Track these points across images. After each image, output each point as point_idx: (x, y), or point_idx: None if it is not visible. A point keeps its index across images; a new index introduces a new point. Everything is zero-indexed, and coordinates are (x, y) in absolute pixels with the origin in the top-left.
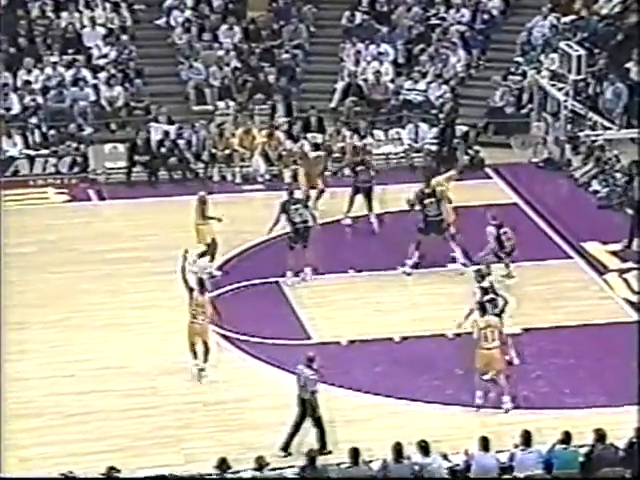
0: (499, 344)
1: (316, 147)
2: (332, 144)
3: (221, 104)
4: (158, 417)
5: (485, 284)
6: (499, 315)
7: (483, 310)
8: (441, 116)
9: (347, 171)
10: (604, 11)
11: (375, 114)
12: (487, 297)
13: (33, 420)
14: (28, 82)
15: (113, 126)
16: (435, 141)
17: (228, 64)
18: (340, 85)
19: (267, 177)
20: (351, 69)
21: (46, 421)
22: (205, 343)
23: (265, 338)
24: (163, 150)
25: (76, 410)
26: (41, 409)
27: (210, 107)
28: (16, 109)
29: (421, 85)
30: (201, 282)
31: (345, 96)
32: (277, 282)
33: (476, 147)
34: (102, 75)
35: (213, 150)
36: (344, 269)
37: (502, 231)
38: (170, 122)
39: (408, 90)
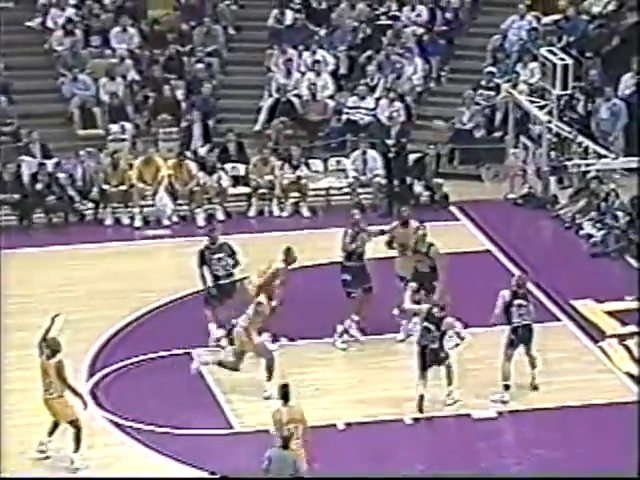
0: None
1: (237, 181)
2: (257, 177)
3: (114, 127)
4: None
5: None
6: None
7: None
8: (389, 142)
9: (276, 210)
10: (595, 9)
11: (311, 139)
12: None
13: None
14: None
15: None
16: (382, 173)
17: (124, 76)
18: (267, 102)
19: (175, 219)
20: (280, 82)
21: None
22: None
23: (174, 428)
24: (38, 186)
25: None
26: None
27: (100, 131)
28: None
29: (368, 102)
30: (40, 345)
31: (273, 116)
32: (189, 354)
33: (438, 180)
34: None
35: (105, 186)
36: (274, 337)
37: (517, 303)
38: (46, 151)
39: (352, 108)
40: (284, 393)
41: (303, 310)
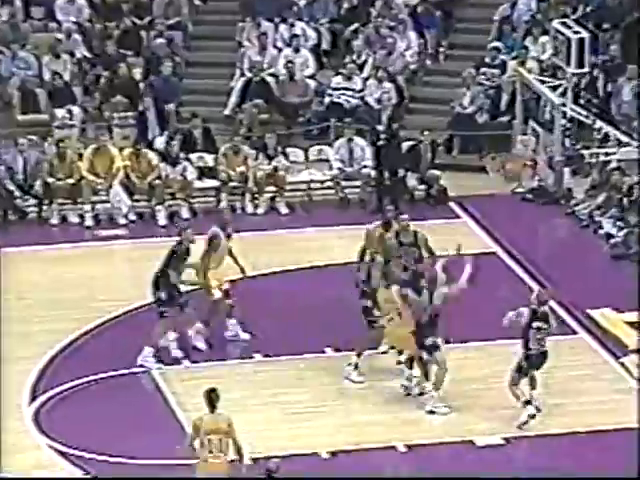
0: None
1: (203, 173)
2: (227, 168)
3: (60, 112)
4: None
5: None
6: None
7: None
8: (379, 128)
9: (250, 207)
10: None
11: (289, 124)
12: None
13: None
14: None
15: None
16: (371, 164)
17: (71, 53)
18: (238, 83)
19: (132, 217)
20: (254, 59)
21: None
22: None
23: (130, 458)
24: None
25: None
26: None
27: (44, 116)
28: None
29: (355, 82)
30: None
31: (245, 99)
32: (149, 372)
33: (434, 171)
34: None
35: (50, 179)
36: (245, 353)
37: (536, 326)
38: None
39: (336, 90)
40: (210, 399)
41: (282, 321)
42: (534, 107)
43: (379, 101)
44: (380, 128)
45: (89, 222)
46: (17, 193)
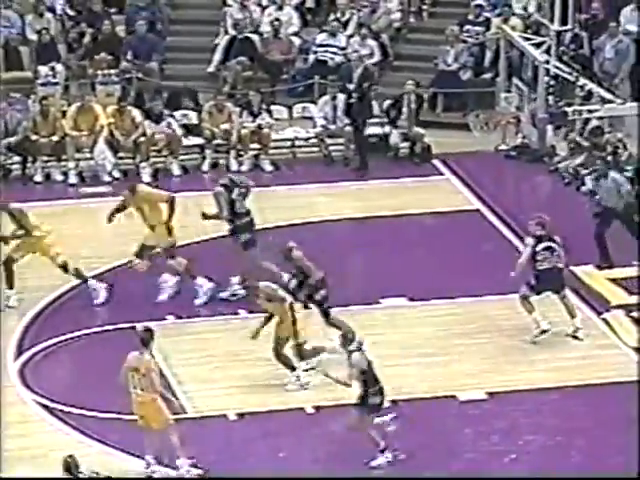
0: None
1: (188, 130)
2: (211, 126)
3: (44, 69)
4: None
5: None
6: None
7: None
8: (350, 86)
9: (234, 164)
10: None
11: (273, 82)
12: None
13: None
14: None
15: None
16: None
17: (53, 10)
18: (222, 40)
19: (116, 175)
20: (237, 17)
21: None
22: None
23: (117, 413)
24: None
25: None
26: None
27: (27, 73)
28: None
29: (339, 40)
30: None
31: (229, 56)
32: (134, 328)
33: (418, 129)
34: None
35: (33, 137)
36: (233, 309)
37: (543, 246)
38: None
39: (320, 47)
40: (142, 338)
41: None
42: (518, 64)
43: (359, 58)
44: (351, 87)
45: (73, 180)
46: (1, 151)
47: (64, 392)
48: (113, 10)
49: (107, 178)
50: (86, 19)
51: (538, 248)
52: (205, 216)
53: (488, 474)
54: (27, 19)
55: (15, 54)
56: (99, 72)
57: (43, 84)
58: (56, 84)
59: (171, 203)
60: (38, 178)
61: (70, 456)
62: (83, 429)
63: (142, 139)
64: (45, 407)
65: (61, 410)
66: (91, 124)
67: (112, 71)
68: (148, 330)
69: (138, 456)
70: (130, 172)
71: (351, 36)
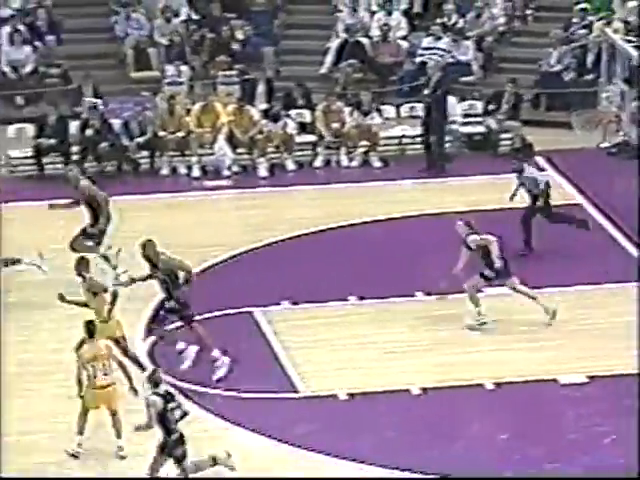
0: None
1: (302, 128)
2: (323, 124)
3: (170, 69)
4: None
5: None
6: None
7: None
8: (425, 92)
9: (345, 160)
10: None
11: (382, 83)
12: None
13: None
14: None
15: (19, 100)
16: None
17: (179, 14)
18: (334, 44)
19: (235, 169)
20: (348, 22)
21: None
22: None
23: (234, 390)
24: (89, 133)
25: None
26: None
27: (156, 73)
28: None
29: (444, 43)
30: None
31: (340, 58)
32: (250, 313)
33: (513, 122)
34: (3, 30)
35: (161, 132)
36: (342, 296)
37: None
38: (98, 95)
39: (426, 49)
40: (88, 329)
41: (376, 266)
42: (619, 66)
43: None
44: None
45: (196, 173)
46: (131, 146)
47: (188, 371)
48: (232, 15)
49: (227, 172)
50: (207, 23)
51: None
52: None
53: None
54: (155, 23)
55: (144, 55)
56: (220, 73)
57: (170, 83)
58: (181, 84)
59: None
60: (165, 171)
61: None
62: (206, 405)
63: (259, 136)
64: (172, 385)
65: (186, 389)
66: (213, 122)
67: (232, 72)
68: (91, 322)
69: (257, 432)
70: (248, 167)
71: (455, 40)
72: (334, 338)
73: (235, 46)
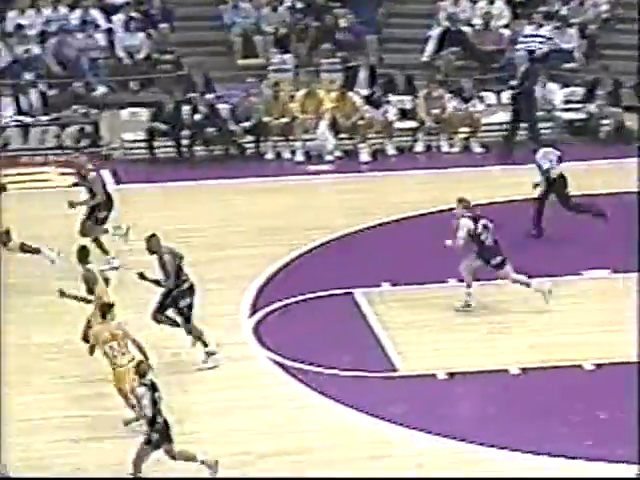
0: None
1: (403, 114)
2: (424, 111)
3: (276, 57)
4: (197, 473)
5: None
6: None
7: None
8: (512, 83)
9: (445, 146)
10: None
11: (484, 70)
12: None
13: None
14: (20, 26)
15: (133, 85)
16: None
17: (283, 3)
18: (436, 32)
19: (337, 154)
20: (450, 10)
21: None
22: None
23: (335, 369)
24: (197, 117)
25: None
26: None
27: (261, 60)
28: (3, 62)
29: (546, 30)
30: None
31: (442, 46)
32: (351, 294)
33: (613, 108)
34: (118, 18)
35: (266, 118)
36: (441, 278)
37: (481, 224)
38: (208, 81)
39: (528, 37)
40: (102, 310)
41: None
42: None
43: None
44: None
45: (300, 157)
46: (237, 130)
47: (292, 349)
48: (337, 4)
49: (329, 157)
50: (312, 12)
51: (479, 225)
52: None
53: None
54: (262, 12)
55: (250, 43)
56: (323, 60)
57: (275, 71)
58: (286, 71)
59: None
60: (269, 156)
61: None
62: (309, 383)
63: (361, 122)
64: (275, 362)
65: (287, 365)
66: (316, 108)
67: (335, 60)
68: (108, 305)
69: (356, 409)
70: (350, 152)
71: (557, 27)
72: (433, 319)
73: (339, 34)
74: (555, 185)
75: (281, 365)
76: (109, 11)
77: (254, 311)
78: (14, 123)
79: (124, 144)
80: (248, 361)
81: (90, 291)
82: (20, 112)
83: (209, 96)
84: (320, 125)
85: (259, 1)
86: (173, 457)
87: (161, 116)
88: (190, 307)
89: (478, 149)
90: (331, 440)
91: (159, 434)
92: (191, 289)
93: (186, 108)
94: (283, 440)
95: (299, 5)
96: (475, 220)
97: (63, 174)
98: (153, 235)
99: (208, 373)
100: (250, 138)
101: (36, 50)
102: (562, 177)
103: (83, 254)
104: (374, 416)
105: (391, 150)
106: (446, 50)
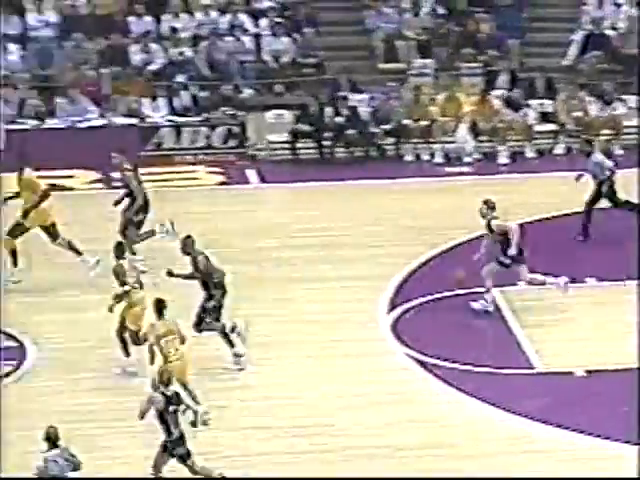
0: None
1: (544, 117)
2: (565, 114)
3: (417, 61)
4: (334, 464)
5: None
6: None
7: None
8: None
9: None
10: None
11: (627, 74)
12: None
13: None
14: (174, 30)
15: (278, 88)
16: None
17: (424, 8)
18: (578, 36)
19: (476, 156)
20: (594, 14)
21: (198, 462)
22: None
23: (472, 365)
24: (339, 120)
25: (229, 451)
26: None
27: (403, 65)
28: (158, 64)
29: None
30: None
31: (585, 50)
32: (488, 291)
33: None
34: (265, 22)
35: (406, 121)
36: (579, 277)
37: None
38: (352, 85)
39: None
40: (158, 307)
41: (616, 251)
42: None
43: None
44: None
45: (439, 159)
46: (378, 132)
47: (429, 345)
48: (479, 9)
49: (468, 159)
50: (454, 17)
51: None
52: None
53: None
54: (404, 17)
55: (392, 48)
56: (464, 65)
57: (416, 75)
58: (427, 75)
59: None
60: (409, 158)
61: (52, 426)
62: (444, 378)
63: (500, 125)
64: (413, 358)
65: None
66: (456, 111)
67: (476, 64)
68: (162, 301)
69: (493, 404)
70: (489, 154)
71: None
72: (572, 317)
73: (480, 39)
74: (605, 190)
75: (419, 361)
76: (257, 16)
77: (392, 308)
78: (168, 123)
79: (269, 145)
80: (387, 356)
81: (123, 283)
82: (173, 112)
83: (351, 99)
84: (460, 128)
85: (401, 7)
86: (195, 472)
87: (305, 118)
88: (219, 308)
89: (619, 151)
90: (470, 435)
91: (175, 445)
92: (223, 291)
93: (329, 111)
94: (422, 434)
95: (440, 10)
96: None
97: (210, 173)
98: (188, 236)
99: (347, 368)
100: (390, 140)
101: (189, 53)
102: (611, 182)
103: (119, 250)
104: (512, 412)
105: (530, 152)
106: (589, 54)
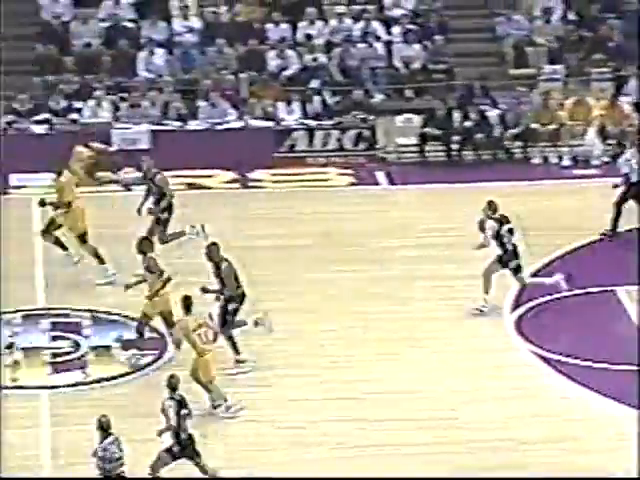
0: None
1: None
2: None
3: (547, 67)
4: (457, 455)
5: None
6: None
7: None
8: None
9: None
10: None
11: None
12: None
13: (311, 449)
14: (309, 37)
15: (408, 93)
16: None
17: (555, 14)
18: None
19: (604, 159)
20: None
21: (326, 452)
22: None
23: (596, 362)
24: (468, 124)
25: (357, 441)
26: (316, 436)
27: (532, 70)
28: (293, 69)
29: None
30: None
31: None
32: (613, 291)
33: None
34: (397, 29)
35: (534, 125)
36: None
37: (506, 228)
38: (485, 92)
39: None
40: (186, 304)
41: None
42: None
43: None
44: None
45: (567, 162)
46: (506, 136)
47: (551, 341)
48: (610, 15)
49: (596, 162)
50: (586, 23)
51: (503, 229)
52: None
53: None
54: (535, 24)
55: (522, 54)
56: (594, 70)
57: (545, 80)
58: (557, 80)
59: None
60: (536, 160)
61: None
62: (568, 374)
63: (630, 129)
64: (536, 354)
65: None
66: (585, 115)
67: (606, 69)
68: (189, 297)
69: (616, 400)
70: (617, 157)
71: None
72: None
73: (611, 44)
74: (633, 189)
75: (542, 357)
76: (389, 23)
77: (517, 306)
78: (301, 126)
79: (398, 148)
80: (510, 353)
81: (161, 273)
82: (306, 116)
83: (480, 103)
84: (589, 131)
85: (532, 13)
86: (205, 471)
87: (433, 122)
88: (235, 312)
89: None
90: (593, 430)
91: (182, 447)
92: (242, 296)
93: (457, 115)
94: (545, 428)
95: (571, 17)
96: (501, 223)
97: (341, 174)
98: (213, 243)
99: (471, 363)
100: (518, 143)
101: (322, 59)
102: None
103: (147, 245)
104: (635, 408)
105: None
106: None
